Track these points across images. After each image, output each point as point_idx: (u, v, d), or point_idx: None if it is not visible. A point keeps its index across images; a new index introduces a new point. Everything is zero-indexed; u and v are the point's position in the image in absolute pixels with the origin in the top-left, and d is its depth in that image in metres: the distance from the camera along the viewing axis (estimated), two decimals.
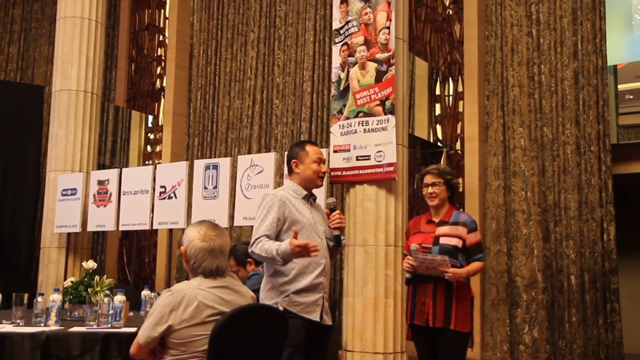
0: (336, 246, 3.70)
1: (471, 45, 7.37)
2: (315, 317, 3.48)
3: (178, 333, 2.69)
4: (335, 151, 5.32)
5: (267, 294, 3.51)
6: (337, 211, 3.67)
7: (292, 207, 3.53)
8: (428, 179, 4.00)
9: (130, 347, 2.81)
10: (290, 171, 3.71)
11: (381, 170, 5.06)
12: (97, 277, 4.77)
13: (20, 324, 4.03)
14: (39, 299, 4.18)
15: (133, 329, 3.68)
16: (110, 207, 7.06)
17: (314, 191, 3.75)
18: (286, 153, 3.82)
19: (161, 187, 6.59)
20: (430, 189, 3.97)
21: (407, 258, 3.87)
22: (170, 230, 6.77)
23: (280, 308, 3.38)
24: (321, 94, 8.14)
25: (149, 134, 10.84)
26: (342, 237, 3.69)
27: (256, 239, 3.43)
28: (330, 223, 3.67)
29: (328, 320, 3.59)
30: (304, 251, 3.31)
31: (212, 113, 9.28)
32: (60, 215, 7.45)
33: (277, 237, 3.49)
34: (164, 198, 6.54)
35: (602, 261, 6.31)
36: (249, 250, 3.49)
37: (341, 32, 5.49)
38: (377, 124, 5.13)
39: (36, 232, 9.28)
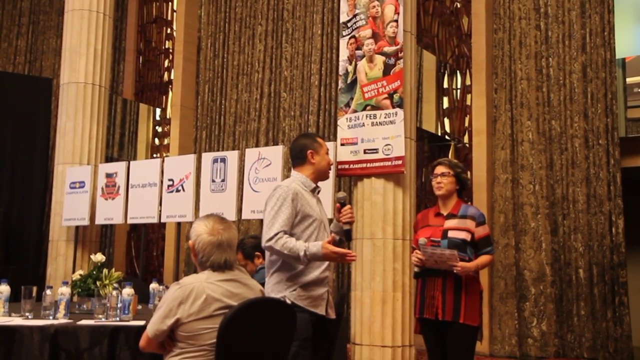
0: (343, 240, 3.68)
1: (479, 38, 7.35)
2: (320, 310, 3.46)
3: (186, 326, 2.69)
4: (342, 144, 5.31)
5: (274, 287, 3.47)
6: (348, 206, 3.61)
7: (303, 201, 3.47)
8: (438, 169, 3.99)
9: (140, 340, 2.83)
10: (299, 163, 3.66)
11: (389, 163, 5.05)
12: (105, 270, 4.79)
13: (29, 316, 4.03)
14: (48, 292, 4.17)
15: (141, 322, 3.69)
16: (119, 200, 7.08)
17: (321, 184, 3.73)
18: (293, 145, 3.73)
19: (169, 180, 6.60)
20: (438, 179, 3.95)
21: (416, 252, 3.86)
22: (178, 224, 6.78)
23: (288, 302, 3.33)
24: (329, 87, 8.13)
25: (157, 127, 10.87)
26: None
27: (275, 235, 3.34)
28: (341, 217, 3.63)
29: (332, 314, 3.58)
30: (339, 257, 3.33)
31: (219, 106, 9.29)
32: (69, 208, 7.47)
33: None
34: (172, 191, 6.55)
35: (610, 254, 6.30)
36: (264, 245, 3.40)
37: (349, 25, 5.48)
38: (385, 117, 5.11)
39: (44, 225, 9.31)
